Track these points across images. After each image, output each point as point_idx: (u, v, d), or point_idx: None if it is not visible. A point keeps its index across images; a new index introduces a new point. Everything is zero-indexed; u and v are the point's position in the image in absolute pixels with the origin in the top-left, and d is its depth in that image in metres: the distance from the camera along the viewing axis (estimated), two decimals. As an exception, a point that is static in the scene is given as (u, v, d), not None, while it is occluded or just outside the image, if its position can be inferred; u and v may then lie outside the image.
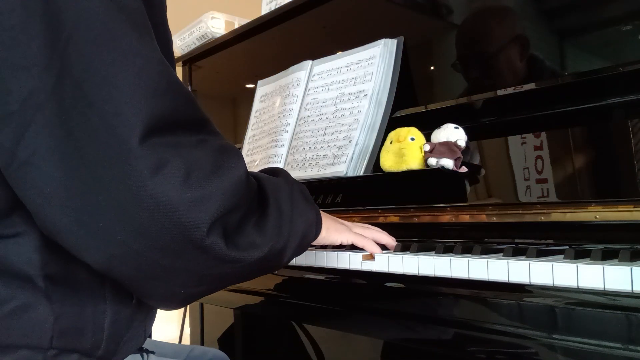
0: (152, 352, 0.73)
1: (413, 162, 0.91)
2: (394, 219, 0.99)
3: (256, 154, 1.31)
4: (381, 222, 0.99)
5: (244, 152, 1.37)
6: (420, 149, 0.91)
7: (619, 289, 0.56)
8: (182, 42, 1.78)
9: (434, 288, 0.76)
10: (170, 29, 0.66)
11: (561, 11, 0.91)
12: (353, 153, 1.04)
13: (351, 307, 0.90)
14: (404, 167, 0.91)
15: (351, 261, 0.84)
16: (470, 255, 0.74)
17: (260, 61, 1.55)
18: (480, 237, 0.88)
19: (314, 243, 0.74)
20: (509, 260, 0.66)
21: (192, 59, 1.78)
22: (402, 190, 0.99)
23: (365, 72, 1.10)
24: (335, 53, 1.21)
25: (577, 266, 0.59)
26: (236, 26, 1.68)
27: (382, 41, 1.09)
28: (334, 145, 1.09)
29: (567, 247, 0.71)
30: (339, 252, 0.86)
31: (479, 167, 0.90)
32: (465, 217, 0.89)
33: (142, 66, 0.51)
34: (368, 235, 0.84)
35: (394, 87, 1.06)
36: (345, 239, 0.81)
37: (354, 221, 0.90)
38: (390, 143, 0.94)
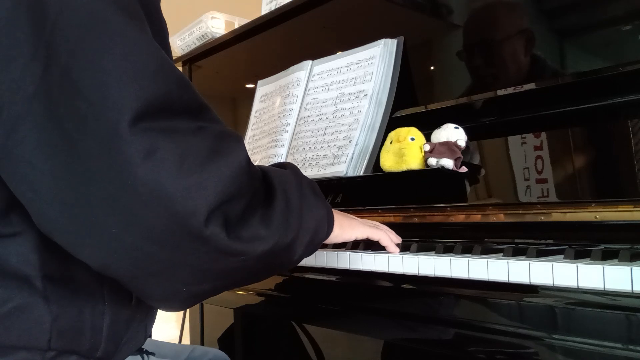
0: (152, 354, 0.73)
1: (413, 162, 0.91)
2: (393, 219, 0.99)
3: (256, 154, 1.31)
4: (381, 222, 0.99)
5: (244, 152, 1.36)
6: (420, 149, 0.91)
7: (619, 289, 0.56)
8: (182, 42, 1.78)
9: (434, 288, 0.76)
10: (170, 29, 0.65)
11: (561, 11, 0.91)
12: (353, 153, 1.04)
13: (351, 307, 0.90)
14: (404, 167, 0.91)
15: (351, 261, 0.84)
16: (470, 255, 0.74)
17: (260, 61, 1.55)
18: (480, 237, 0.88)
19: (327, 242, 0.71)
20: (509, 260, 0.66)
21: (192, 59, 1.78)
22: (402, 190, 0.99)
23: (365, 72, 1.10)
24: (335, 53, 1.21)
25: (577, 266, 0.59)
26: (236, 26, 1.68)
27: (382, 41, 1.09)
28: (334, 145, 1.09)
29: (567, 247, 0.71)
30: (339, 252, 0.86)
31: (479, 167, 0.90)
32: (465, 217, 0.89)
33: (130, 48, 0.49)
34: (382, 229, 0.83)
35: (394, 87, 1.06)
36: (361, 233, 0.79)
37: (354, 221, 0.89)
38: (390, 143, 0.94)
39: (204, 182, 0.50)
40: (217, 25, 1.69)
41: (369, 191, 1.04)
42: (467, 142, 0.89)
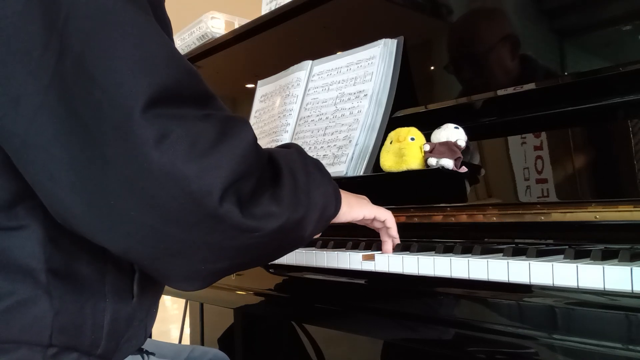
0: (152, 354, 0.73)
1: (413, 162, 0.91)
2: (394, 219, 0.99)
3: (256, 154, 1.30)
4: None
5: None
6: (420, 149, 0.91)
7: (619, 289, 0.57)
8: (182, 42, 1.78)
9: (434, 288, 0.76)
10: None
11: (561, 11, 0.91)
12: (353, 153, 1.04)
13: (351, 307, 0.90)
14: (404, 167, 0.91)
15: (351, 261, 0.84)
16: (470, 255, 0.74)
17: (260, 61, 1.55)
18: (480, 237, 0.88)
19: (336, 220, 0.72)
20: (509, 260, 0.66)
21: (192, 59, 1.78)
22: (402, 191, 0.99)
23: (365, 72, 1.10)
24: (335, 53, 1.21)
25: (577, 266, 0.60)
26: (236, 26, 1.69)
27: (382, 41, 1.09)
28: (334, 145, 1.09)
29: (567, 247, 0.71)
30: (339, 252, 0.86)
31: (479, 167, 0.90)
32: (465, 217, 0.89)
33: (142, 38, 0.51)
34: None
35: (394, 87, 1.06)
36: (369, 212, 0.80)
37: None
38: (390, 143, 0.94)
39: (216, 162, 0.52)
40: (217, 25, 1.69)
41: (369, 191, 1.04)
42: (467, 142, 0.89)
